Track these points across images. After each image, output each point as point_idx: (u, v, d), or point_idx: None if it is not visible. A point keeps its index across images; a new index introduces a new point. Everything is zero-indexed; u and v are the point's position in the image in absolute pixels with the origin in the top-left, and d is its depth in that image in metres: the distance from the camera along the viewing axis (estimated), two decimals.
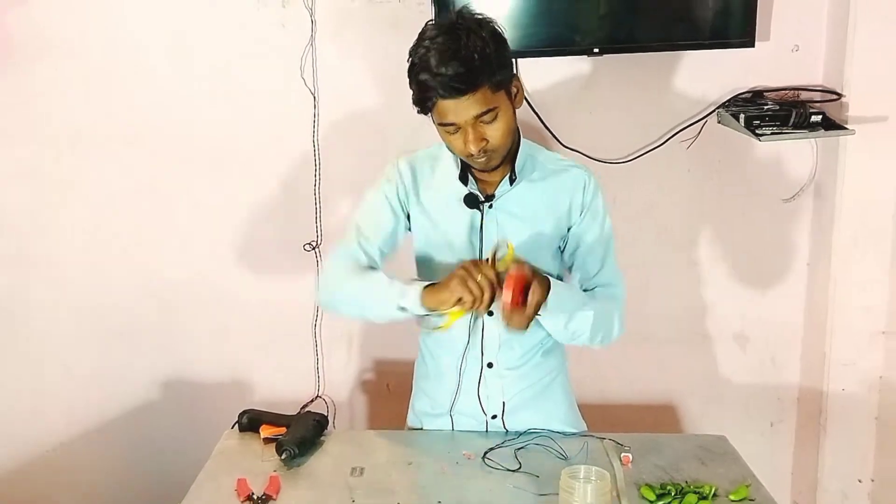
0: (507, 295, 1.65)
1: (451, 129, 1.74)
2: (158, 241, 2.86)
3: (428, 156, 1.95)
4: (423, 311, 1.77)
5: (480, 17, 1.75)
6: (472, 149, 1.73)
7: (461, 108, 1.70)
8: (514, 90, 1.78)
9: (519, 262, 1.70)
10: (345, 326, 2.90)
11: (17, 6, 2.69)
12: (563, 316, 1.82)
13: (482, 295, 1.67)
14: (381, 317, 1.87)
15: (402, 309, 1.79)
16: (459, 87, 1.67)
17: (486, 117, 1.72)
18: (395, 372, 2.80)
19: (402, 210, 1.93)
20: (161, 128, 2.78)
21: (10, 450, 2.95)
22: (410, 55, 1.74)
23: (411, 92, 1.75)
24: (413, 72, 1.72)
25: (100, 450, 2.97)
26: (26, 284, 2.87)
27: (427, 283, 1.77)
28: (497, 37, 1.74)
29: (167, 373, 2.94)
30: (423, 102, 1.73)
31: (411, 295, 1.76)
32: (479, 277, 1.68)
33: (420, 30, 1.76)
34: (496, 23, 1.76)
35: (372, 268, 1.91)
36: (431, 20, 1.84)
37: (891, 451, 2.71)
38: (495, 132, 1.75)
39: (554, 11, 2.56)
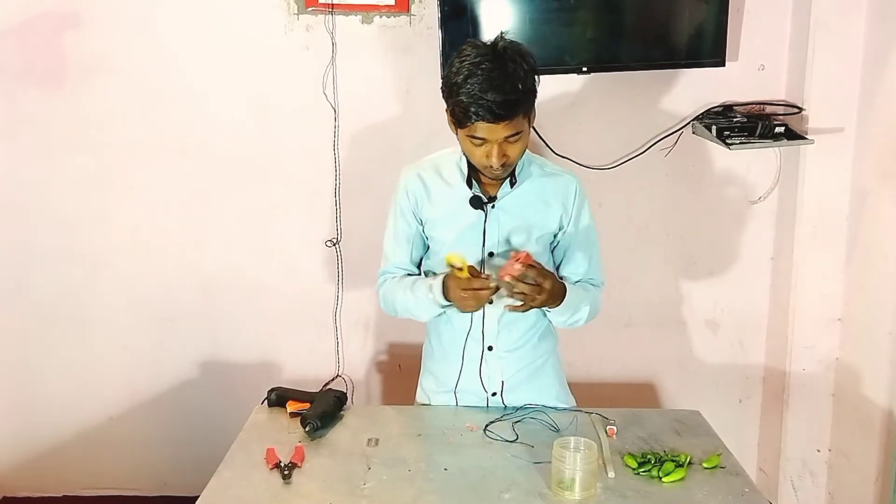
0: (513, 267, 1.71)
1: (478, 142, 1.71)
2: (201, 239, 2.84)
3: (432, 163, 1.92)
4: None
5: (521, 46, 1.70)
6: (495, 163, 1.71)
7: (495, 130, 1.67)
8: (533, 114, 1.75)
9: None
10: (361, 314, 2.88)
11: (72, 29, 2.66)
12: (570, 311, 1.87)
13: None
14: (429, 318, 1.94)
15: (443, 306, 1.85)
16: (500, 114, 1.64)
17: (512, 138, 1.70)
18: (406, 354, 2.79)
19: (416, 218, 1.93)
20: (205, 140, 2.76)
21: (76, 418, 2.96)
22: (451, 72, 1.68)
23: (448, 104, 1.71)
24: (455, 90, 1.66)
25: (149, 420, 2.96)
26: (91, 276, 2.86)
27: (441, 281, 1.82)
28: (534, 69, 1.69)
29: (207, 354, 2.92)
30: (460, 119, 1.68)
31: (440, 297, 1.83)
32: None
33: (460, 47, 1.70)
34: (532, 53, 1.70)
35: (411, 274, 1.97)
36: (471, 39, 1.75)
37: (845, 424, 2.69)
38: (516, 150, 1.73)
39: (548, 35, 2.56)
